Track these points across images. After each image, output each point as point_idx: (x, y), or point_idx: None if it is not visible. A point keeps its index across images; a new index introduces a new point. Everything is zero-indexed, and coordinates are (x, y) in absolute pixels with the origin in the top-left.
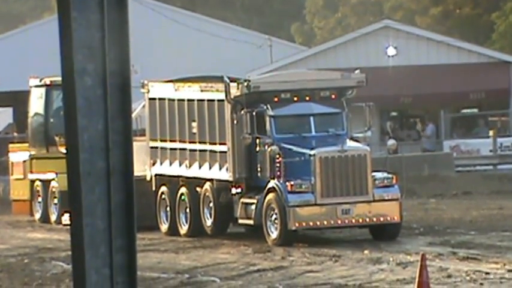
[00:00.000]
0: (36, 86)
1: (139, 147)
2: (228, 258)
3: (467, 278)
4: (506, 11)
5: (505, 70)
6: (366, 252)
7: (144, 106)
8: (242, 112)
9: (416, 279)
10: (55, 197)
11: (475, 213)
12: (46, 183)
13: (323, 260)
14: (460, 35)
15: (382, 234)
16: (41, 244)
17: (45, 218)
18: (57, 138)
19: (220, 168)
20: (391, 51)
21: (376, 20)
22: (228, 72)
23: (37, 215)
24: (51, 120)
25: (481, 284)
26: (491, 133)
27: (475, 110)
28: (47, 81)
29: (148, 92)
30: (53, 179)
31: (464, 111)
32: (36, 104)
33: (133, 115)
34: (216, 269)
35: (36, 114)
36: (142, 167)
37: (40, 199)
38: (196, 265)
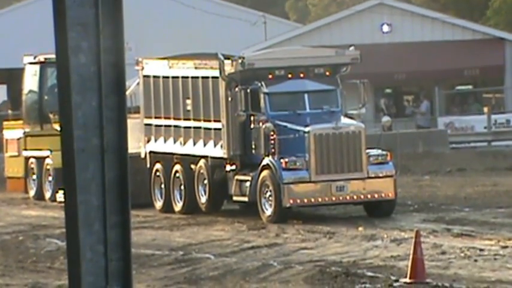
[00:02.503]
0: (30, 63)
1: (134, 125)
2: (222, 235)
3: (462, 254)
4: None
5: (500, 47)
6: (360, 229)
7: (138, 83)
8: (236, 89)
9: (411, 256)
10: (49, 174)
11: (470, 190)
12: (40, 160)
13: (317, 237)
14: (454, 11)
15: (377, 211)
16: (35, 221)
17: (39, 195)
18: (51, 116)
19: (214, 146)
20: (385, 28)
21: None
22: (222, 50)
23: (31, 192)
24: (45, 97)
25: (475, 260)
26: (485, 110)
27: (470, 87)
28: (41, 58)
29: (142, 69)
30: (47, 156)
31: (459, 88)
32: (30, 82)
33: (127, 92)
34: (210, 246)
35: (30, 91)
36: (137, 144)
37: (34, 176)
38: (190, 242)
